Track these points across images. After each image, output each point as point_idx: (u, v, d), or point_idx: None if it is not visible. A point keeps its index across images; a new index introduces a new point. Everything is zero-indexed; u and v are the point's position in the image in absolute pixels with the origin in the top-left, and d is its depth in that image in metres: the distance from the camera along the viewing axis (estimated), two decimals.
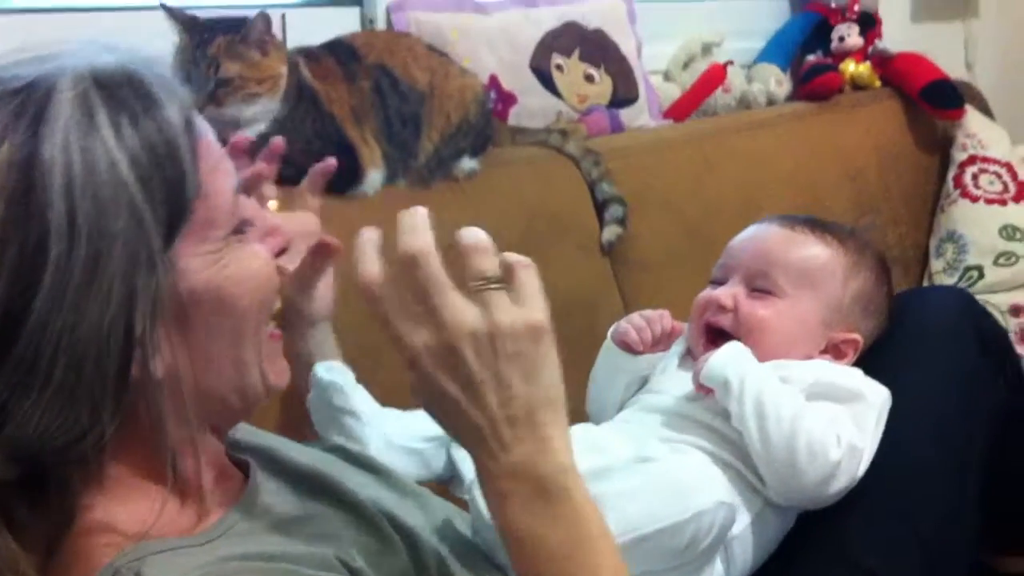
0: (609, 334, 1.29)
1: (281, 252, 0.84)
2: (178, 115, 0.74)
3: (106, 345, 0.70)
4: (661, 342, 1.26)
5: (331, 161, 1.25)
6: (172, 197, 0.73)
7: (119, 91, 0.72)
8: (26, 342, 0.68)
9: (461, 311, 0.72)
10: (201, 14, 1.45)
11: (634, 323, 1.26)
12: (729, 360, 1.10)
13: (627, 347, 1.28)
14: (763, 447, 1.08)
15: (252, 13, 1.46)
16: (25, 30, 1.52)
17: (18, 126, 0.69)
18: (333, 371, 1.13)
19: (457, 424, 0.74)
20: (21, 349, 0.68)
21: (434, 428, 1.15)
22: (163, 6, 1.42)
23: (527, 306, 0.73)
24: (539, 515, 0.73)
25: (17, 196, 0.68)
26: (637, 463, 1.05)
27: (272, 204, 1.09)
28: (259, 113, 1.42)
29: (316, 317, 1.16)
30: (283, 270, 0.84)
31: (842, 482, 1.10)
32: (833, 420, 1.10)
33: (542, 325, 0.74)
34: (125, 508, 0.76)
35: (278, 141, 1.21)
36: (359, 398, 1.14)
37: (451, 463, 1.14)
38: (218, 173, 0.77)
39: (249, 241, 0.80)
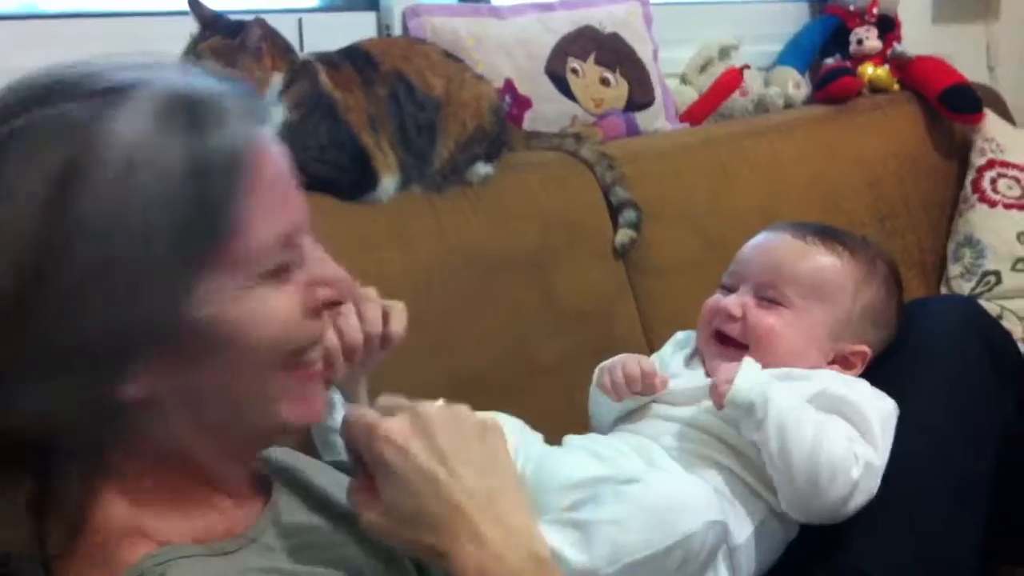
0: (595, 374, 1.27)
1: (333, 304, 0.83)
2: (239, 146, 0.74)
3: (102, 346, 0.71)
4: (644, 393, 1.23)
5: None
6: (205, 229, 0.73)
7: (198, 105, 0.73)
8: (36, 326, 0.70)
9: (431, 406, 0.80)
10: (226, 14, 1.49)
11: (614, 377, 1.23)
12: (754, 384, 1.09)
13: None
14: (784, 468, 1.08)
15: (274, 16, 1.48)
16: (54, 35, 1.53)
17: (90, 124, 0.70)
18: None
19: (433, 507, 0.76)
20: (33, 332, 0.70)
21: None
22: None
23: (479, 413, 0.82)
24: None
25: (61, 190, 0.69)
26: (625, 486, 1.05)
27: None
28: None
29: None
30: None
31: (860, 499, 1.10)
32: (850, 438, 1.10)
33: (497, 424, 0.82)
34: (148, 513, 0.78)
35: None
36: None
37: None
38: (268, 214, 0.76)
39: (283, 288, 0.78)
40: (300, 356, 0.80)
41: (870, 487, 1.11)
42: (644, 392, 1.22)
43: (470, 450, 0.78)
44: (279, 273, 0.77)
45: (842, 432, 1.10)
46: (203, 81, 0.76)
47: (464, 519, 0.75)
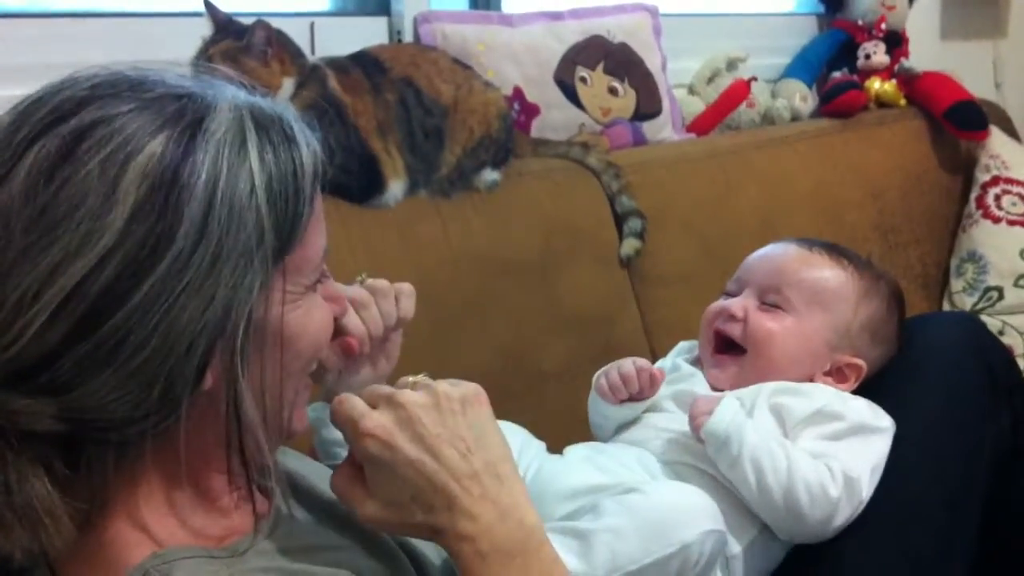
0: (593, 380, 1.28)
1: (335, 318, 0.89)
2: (310, 164, 0.79)
3: (195, 342, 0.73)
4: (643, 393, 1.24)
5: None
6: (285, 232, 0.77)
7: (269, 126, 0.77)
8: (122, 319, 0.71)
9: (411, 394, 0.82)
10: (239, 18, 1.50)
11: (610, 379, 1.24)
12: (730, 420, 1.10)
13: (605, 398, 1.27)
14: (764, 501, 1.10)
15: (286, 20, 1.50)
16: (60, 35, 1.55)
17: (177, 125, 0.73)
18: (317, 409, 1.13)
19: (425, 492, 0.79)
20: (116, 324, 0.71)
21: None
22: (206, 2, 1.49)
23: (460, 385, 0.83)
24: (516, 572, 0.80)
25: (161, 185, 0.71)
26: (625, 495, 1.05)
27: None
28: None
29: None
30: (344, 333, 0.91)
31: (844, 515, 1.11)
32: (824, 455, 1.11)
33: (479, 392, 0.84)
34: (156, 512, 0.79)
35: None
36: None
37: None
38: (318, 231, 0.81)
39: (318, 293, 0.84)
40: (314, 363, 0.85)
41: (854, 502, 1.11)
42: (642, 390, 1.22)
43: (453, 431, 0.80)
44: (317, 285, 0.83)
45: (815, 449, 1.11)
46: (264, 100, 0.80)
47: (454, 499, 0.79)
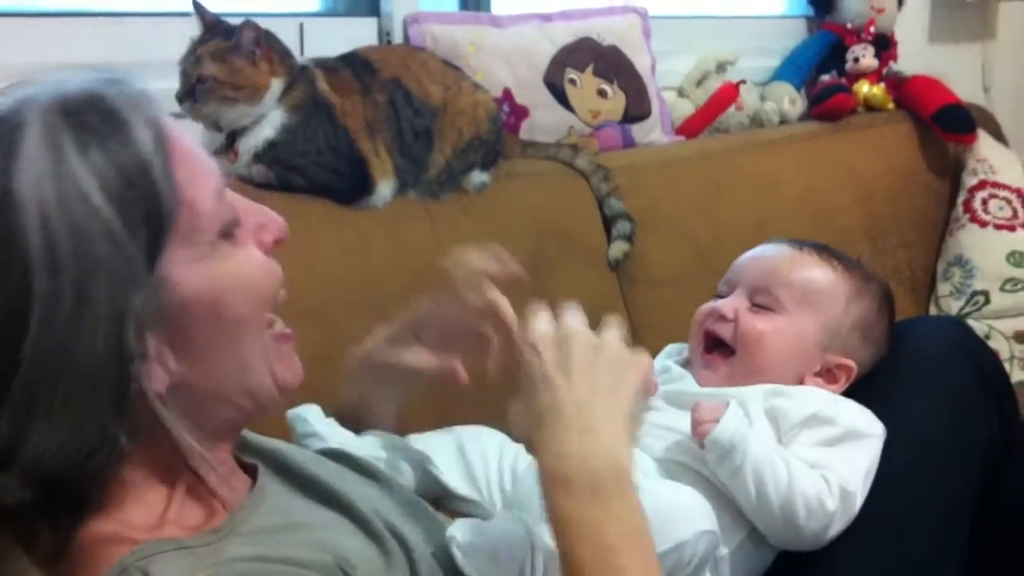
0: None
1: (277, 242, 0.84)
2: (147, 131, 0.74)
3: (102, 367, 0.71)
4: None
5: None
6: (151, 213, 0.73)
7: (85, 116, 0.72)
8: (25, 373, 0.69)
9: (579, 325, 0.91)
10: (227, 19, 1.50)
11: None
12: (735, 429, 1.10)
13: None
14: (761, 510, 1.10)
15: (276, 20, 1.50)
16: (52, 35, 1.54)
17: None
18: (301, 410, 1.12)
19: (545, 407, 0.86)
20: (21, 380, 0.69)
21: (389, 442, 1.13)
22: (194, 2, 1.48)
23: (631, 351, 0.91)
24: (595, 505, 0.82)
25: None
26: None
27: None
28: (240, 118, 1.47)
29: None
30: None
31: (838, 527, 1.11)
32: (820, 464, 1.11)
33: (641, 361, 0.90)
34: (134, 509, 0.78)
35: None
36: (323, 424, 1.12)
37: (435, 481, 1.14)
38: (197, 178, 0.77)
39: (240, 243, 0.80)
40: (271, 307, 0.83)
41: (848, 513, 1.12)
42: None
43: (595, 371, 0.87)
44: (230, 231, 0.79)
45: (813, 457, 1.12)
46: (79, 83, 0.75)
47: (560, 421, 0.84)
